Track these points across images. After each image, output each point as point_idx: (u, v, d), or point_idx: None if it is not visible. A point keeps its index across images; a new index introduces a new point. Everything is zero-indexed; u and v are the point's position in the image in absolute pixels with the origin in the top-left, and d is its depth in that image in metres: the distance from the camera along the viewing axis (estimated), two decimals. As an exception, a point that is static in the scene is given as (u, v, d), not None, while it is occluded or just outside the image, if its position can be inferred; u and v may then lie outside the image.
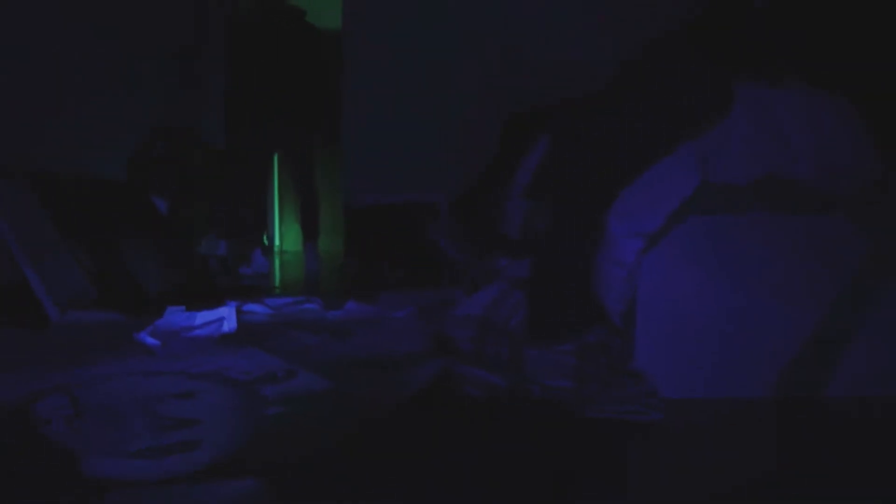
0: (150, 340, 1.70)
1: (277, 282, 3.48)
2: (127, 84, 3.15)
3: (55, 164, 2.68)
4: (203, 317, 1.96)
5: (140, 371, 1.42)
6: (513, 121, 2.62)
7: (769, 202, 1.47)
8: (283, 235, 5.10)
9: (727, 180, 1.43)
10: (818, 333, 1.49)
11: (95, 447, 1.02)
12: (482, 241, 2.53)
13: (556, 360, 1.44)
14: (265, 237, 4.18)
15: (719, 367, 1.48)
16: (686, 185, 1.39)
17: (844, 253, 1.48)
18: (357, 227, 3.35)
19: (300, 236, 3.84)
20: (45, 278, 2.19)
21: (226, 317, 1.96)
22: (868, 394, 1.46)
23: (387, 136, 3.32)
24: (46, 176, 2.58)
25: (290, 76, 3.50)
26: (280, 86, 3.49)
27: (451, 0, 3.08)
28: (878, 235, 1.45)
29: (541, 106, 2.32)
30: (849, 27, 1.62)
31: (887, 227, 1.47)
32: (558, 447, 1.21)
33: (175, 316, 1.98)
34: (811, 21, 1.69)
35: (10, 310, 2.14)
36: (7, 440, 1.03)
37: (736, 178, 1.43)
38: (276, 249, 4.95)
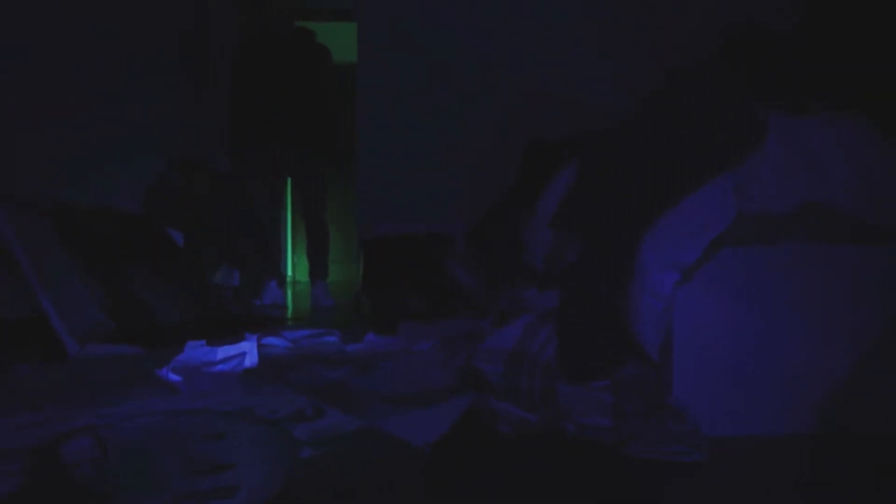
0: (173, 376, 1.66)
1: (290, 313, 3.44)
2: (128, 87, 3.08)
3: (58, 182, 2.64)
4: (224, 351, 1.93)
5: (166, 409, 1.38)
6: (532, 150, 2.61)
7: (807, 233, 1.45)
8: (296, 265, 5.08)
9: (764, 211, 1.40)
10: (859, 368, 1.44)
11: (127, 492, 0.98)
12: (502, 271, 2.50)
13: (592, 397, 1.40)
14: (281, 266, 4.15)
15: (759, 403, 1.43)
16: (723, 215, 1.36)
17: (884, 284, 1.44)
18: (373, 257, 3.33)
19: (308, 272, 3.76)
20: (63, 312, 2.17)
21: (247, 351, 1.93)
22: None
23: (402, 166, 3.32)
24: (62, 207, 2.57)
25: (301, 96, 3.45)
26: (290, 107, 3.43)
27: (469, 29, 3.10)
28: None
29: (563, 135, 2.31)
30: (878, 51, 1.61)
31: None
32: (596, 486, 1.18)
33: (196, 351, 1.95)
34: (839, 46, 1.69)
35: (28, 344, 2.11)
36: (37, 484, 1.00)
37: (773, 209, 1.40)
38: (288, 280, 4.93)
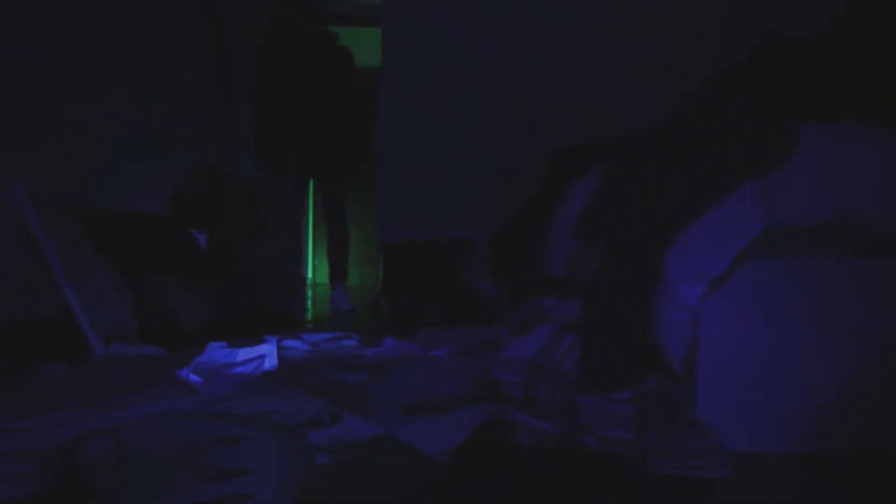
0: (193, 378, 1.68)
1: (310, 316, 3.46)
2: (146, 89, 3.02)
3: (70, 184, 2.65)
4: (244, 353, 1.94)
5: (184, 412, 1.39)
6: (554, 157, 2.59)
7: (836, 245, 1.40)
8: (317, 268, 5.10)
9: (792, 222, 1.36)
10: (891, 386, 1.39)
11: (137, 499, 0.98)
12: (522, 279, 2.48)
13: (613, 409, 1.37)
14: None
15: (786, 419, 1.39)
16: (751, 226, 1.33)
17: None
18: (393, 261, 3.33)
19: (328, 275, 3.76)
20: (89, 311, 2.20)
21: (267, 354, 1.94)
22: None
23: (424, 171, 3.31)
24: (87, 207, 2.61)
25: (323, 99, 3.44)
26: (312, 109, 3.42)
27: (492, 36, 3.09)
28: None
29: (586, 143, 2.29)
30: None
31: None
32: (612, 497, 1.15)
33: (216, 352, 1.96)
34: (869, 56, 1.64)
35: (55, 343, 2.15)
36: (56, 489, 1.01)
37: (801, 220, 1.36)
38: (308, 282, 4.95)
